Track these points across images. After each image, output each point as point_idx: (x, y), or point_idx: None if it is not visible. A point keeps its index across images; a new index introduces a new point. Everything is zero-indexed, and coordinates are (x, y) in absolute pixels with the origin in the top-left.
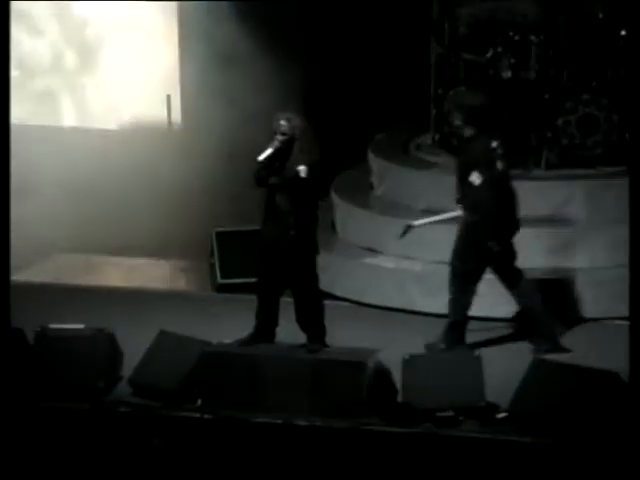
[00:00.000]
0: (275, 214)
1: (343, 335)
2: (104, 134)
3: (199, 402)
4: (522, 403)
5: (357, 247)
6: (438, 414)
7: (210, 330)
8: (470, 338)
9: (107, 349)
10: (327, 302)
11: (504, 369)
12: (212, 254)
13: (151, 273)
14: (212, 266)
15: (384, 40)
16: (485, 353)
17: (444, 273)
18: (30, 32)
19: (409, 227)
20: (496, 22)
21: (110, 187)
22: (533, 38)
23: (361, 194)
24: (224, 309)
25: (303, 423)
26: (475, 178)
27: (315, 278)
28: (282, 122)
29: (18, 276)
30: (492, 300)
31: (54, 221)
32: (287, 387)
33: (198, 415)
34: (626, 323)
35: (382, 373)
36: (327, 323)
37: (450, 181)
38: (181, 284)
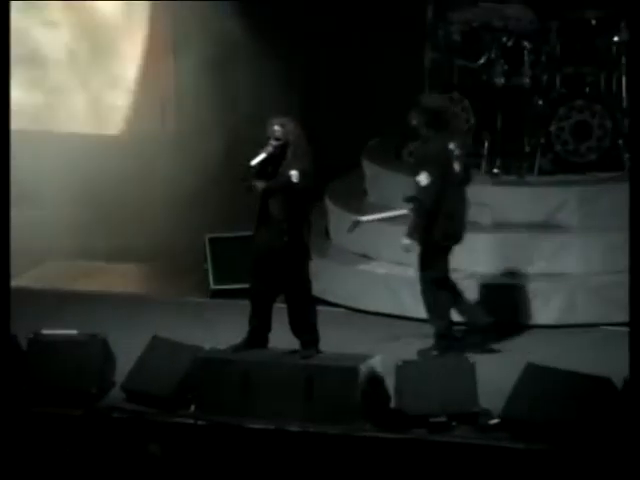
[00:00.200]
0: (268, 220)
1: (336, 341)
2: (99, 139)
3: (192, 408)
4: (515, 409)
5: (350, 253)
6: (431, 420)
7: (203, 336)
8: (463, 343)
9: (100, 355)
10: (320, 308)
11: (497, 375)
12: (205, 260)
13: (144, 279)
14: (205, 272)
15: (378, 46)
16: (478, 359)
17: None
18: (44, 24)
19: (357, 222)
20: (489, 28)
21: (104, 193)
22: (526, 44)
23: (354, 200)
24: (217, 315)
25: (296, 429)
26: (422, 178)
27: (308, 284)
28: (276, 127)
29: (12, 282)
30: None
31: (48, 227)
32: (280, 393)
33: (191, 421)
34: (619, 329)
35: (375, 379)
36: (320, 329)
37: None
38: (174, 290)
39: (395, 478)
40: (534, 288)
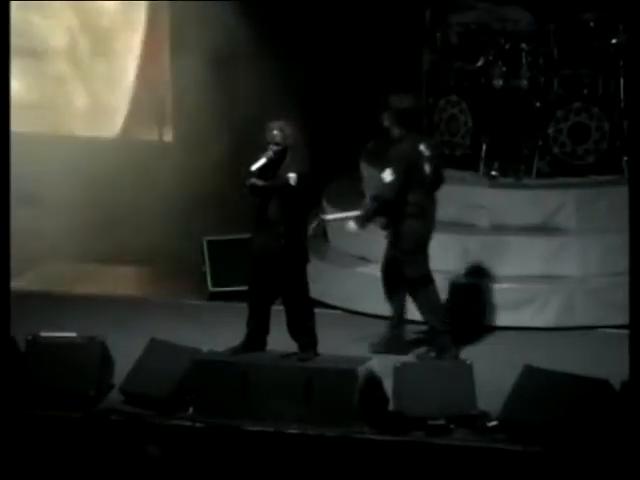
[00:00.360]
0: (266, 223)
1: (334, 343)
2: (96, 141)
3: (190, 410)
4: (513, 411)
5: (349, 255)
6: (429, 422)
7: (201, 338)
8: (462, 346)
9: (98, 357)
10: (319, 310)
11: (495, 377)
12: (203, 262)
13: (143, 281)
14: (203, 274)
15: (376, 48)
16: (476, 361)
17: (436, 281)
18: (44, 15)
19: (321, 220)
20: (487, 30)
21: (102, 195)
22: (524, 46)
23: (353, 202)
24: (215, 317)
25: (294, 431)
26: (386, 175)
27: (305, 287)
28: (275, 132)
29: (11, 284)
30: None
31: (45, 229)
32: (278, 395)
33: (190, 423)
34: (617, 331)
35: (373, 381)
36: (318, 331)
37: (442, 189)
38: (173, 292)
39: None
40: (532, 290)
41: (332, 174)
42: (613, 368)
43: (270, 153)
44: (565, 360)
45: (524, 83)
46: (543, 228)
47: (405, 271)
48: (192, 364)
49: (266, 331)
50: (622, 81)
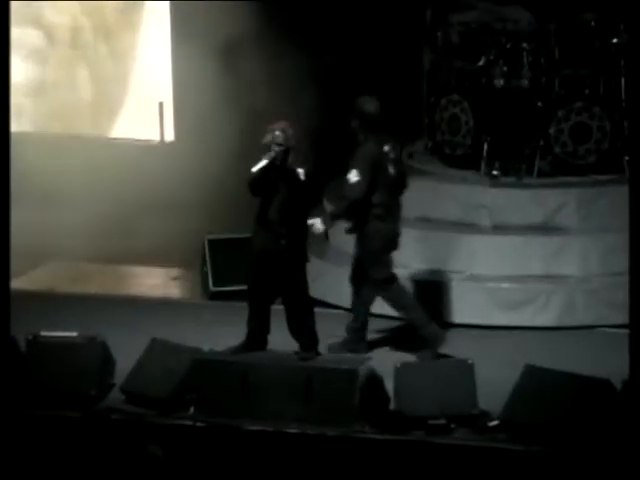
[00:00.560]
0: (266, 223)
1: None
2: (96, 141)
3: (191, 410)
4: (514, 411)
5: (349, 255)
6: (430, 422)
7: (202, 338)
8: (462, 345)
9: (99, 357)
10: (320, 310)
11: (496, 376)
12: (204, 262)
13: (144, 281)
14: (204, 274)
15: (377, 47)
16: (477, 360)
17: (435, 281)
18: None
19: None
20: (488, 30)
21: (103, 195)
22: (525, 46)
23: None
24: (216, 317)
25: (295, 431)
26: (352, 176)
27: (305, 286)
28: (277, 133)
29: (11, 283)
30: (488, 308)
31: (47, 229)
32: (279, 395)
33: (190, 423)
34: (618, 331)
35: (374, 381)
36: (319, 331)
37: (443, 189)
38: (174, 292)
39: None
40: (533, 290)
41: (332, 174)
42: (614, 367)
43: (272, 154)
44: (566, 360)
45: (525, 83)
46: (544, 227)
47: (370, 272)
48: (193, 364)
49: (266, 330)
50: (623, 81)
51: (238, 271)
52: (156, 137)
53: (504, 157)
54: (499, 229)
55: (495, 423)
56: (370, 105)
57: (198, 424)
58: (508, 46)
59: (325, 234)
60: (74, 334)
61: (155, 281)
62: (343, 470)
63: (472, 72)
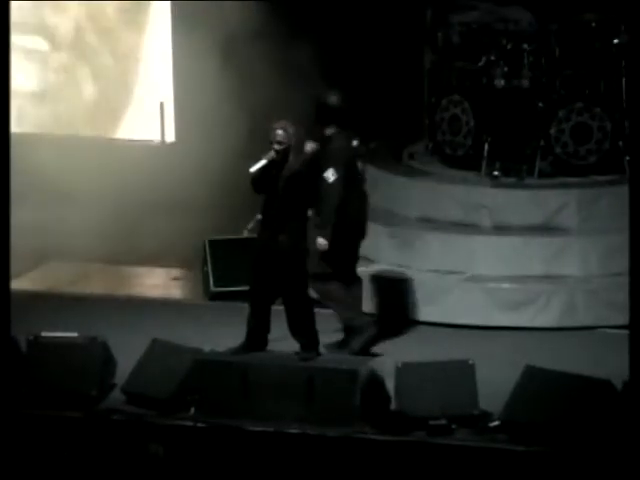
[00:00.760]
0: (267, 221)
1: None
2: (97, 141)
3: (192, 410)
4: (515, 411)
5: None
6: (431, 422)
7: (203, 338)
8: (463, 346)
9: (100, 357)
10: (321, 310)
11: (497, 377)
12: (205, 262)
13: (144, 281)
14: (205, 274)
15: (377, 48)
16: (478, 361)
17: (438, 281)
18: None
19: (257, 221)
20: (489, 30)
21: (104, 196)
22: (526, 46)
23: None
24: (217, 317)
25: (295, 431)
26: (329, 175)
27: (306, 286)
28: (279, 131)
29: (11, 284)
30: (488, 308)
31: (48, 229)
32: (279, 395)
33: (191, 423)
34: (618, 331)
35: (375, 381)
36: (320, 331)
37: (444, 189)
38: (174, 292)
39: None
40: (534, 290)
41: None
42: (615, 368)
43: (272, 153)
44: (567, 360)
45: (526, 83)
46: (545, 228)
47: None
48: (193, 364)
49: (267, 330)
50: (624, 81)
51: (239, 271)
52: (157, 137)
53: (505, 157)
54: (500, 229)
55: (496, 423)
56: (333, 98)
57: (199, 424)
58: (509, 46)
59: (326, 247)
60: (75, 334)
61: (156, 281)
62: (344, 471)
63: (473, 72)
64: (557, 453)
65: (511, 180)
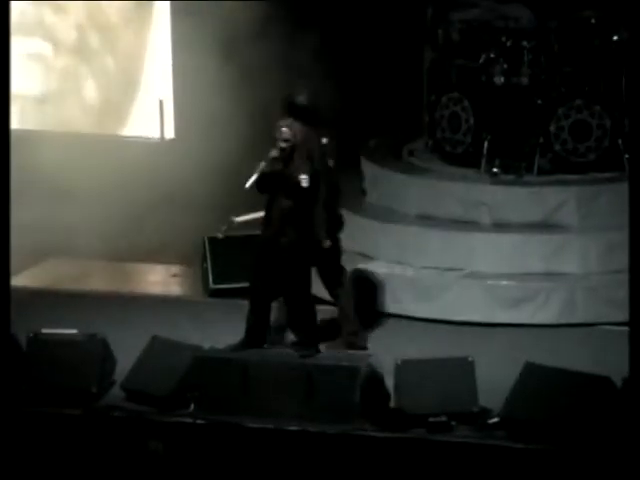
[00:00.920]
0: (271, 220)
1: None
2: (99, 139)
3: (192, 407)
4: (514, 408)
5: (350, 252)
6: (431, 419)
7: (202, 335)
8: (462, 343)
9: (100, 354)
10: (320, 307)
11: (497, 374)
12: (204, 259)
13: (144, 278)
14: (204, 271)
15: (377, 45)
16: (478, 358)
17: (437, 278)
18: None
19: (231, 222)
20: (489, 28)
21: (104, 193)
22: (525, 44)
23: (354, 200)
24: (216, 314)
25: (295, 428)
26: (304, 179)
27: (309, 284)
28: (284, 129)
29: (12, 281)
30: (488, 305)
31: (47, 226)
32: (279, 392)
33: (191, 420)
34: (618, 328)
35: (374, 378)
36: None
37: (443, 186)
38: (174, 289)
39: (394, 478)
40: (533, 288)
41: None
42: (614, 365)
43: (263, 164)
44: (566, 357)
45: (525, 80)
46: (544, 225)
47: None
48: (193, 361)
49: (266, 327)
50: (623, 78)
51: (238, 269)
52: (156, 134)
53: (504, 155)
54: (499, 227)
55: (495, 420)
56: (301, 97)
57: (198, 421)
58: (508, 44)
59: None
60: (74, 331)
61: (155, 278)
62: (344, 468)
63: (472, 70)
64: (556, 450)
65: (510, 177)
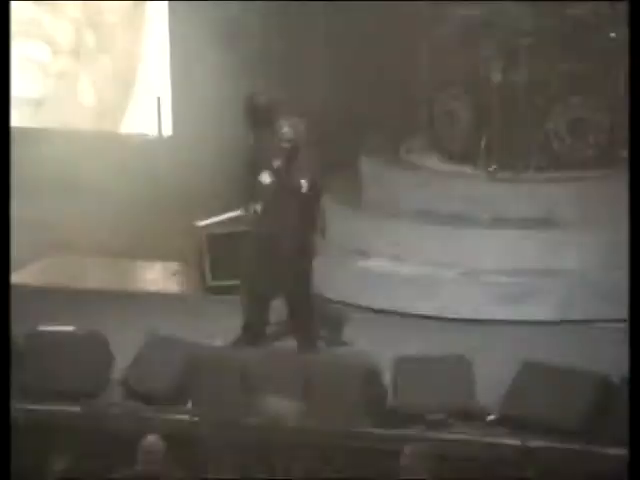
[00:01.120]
0: (274, 218)
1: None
2: (97, 136)
3: (189, 404)
4: (512, 405)
5: (347, 249)
6: (428, 417)
7: (201, 332)
8: (460, 340)
9: (98, 351)
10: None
11: (494, 371)
12: (202, 256)
13: (142, 275)
14: (202, 268)
15: (374, 41)
16: (476, 355)
17: (435, 275)
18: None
19: (196, 228)
20: (487, 24)
21: (102, 189)
22: (523, 40)
23: (351, 196)
24: (214, 311)
25: (293, 426)
26: (265, 177)
27: (309, 282)
28: (286, 129)
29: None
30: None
31: (45, 223)
32: (277, 389)
33: (189, 417)
34: (617, 325)
35: (372, 375)
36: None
37: (441, 183)
38: (172, 286)
39: (392, 475)
40: (531, 285)
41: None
42: (612, 362)
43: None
44: (564, 354)
45: (523, 77)
46: (542, 222)
47: None
48: (191, 358)
49: (265, 325)
50: (622, 75)
51: (236, 266)
52: (154, 132)
53: (502, 152)
54: (497, 223)
55: (493, 418)
56: (261, 99)
57: (196, 419)
58: (506, 40)
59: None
60: (72, 328)
61: (153, 275)
62: (342, 466)
63: (470, 66)
64: (554, 448)
65: (508, 174)
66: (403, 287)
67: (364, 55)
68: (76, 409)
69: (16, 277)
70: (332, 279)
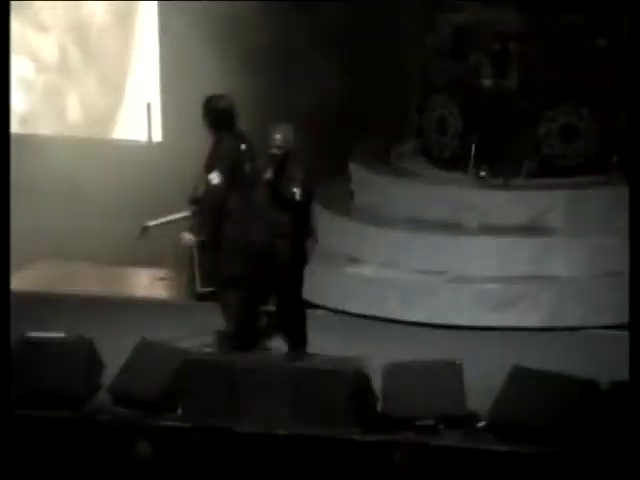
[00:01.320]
0: (266, 226)
1: (323, 344)
2: (87, 142)
3: (179, 411)
4: (502, 411)
5: (338, 255)
6: (418, 423)
7: (190, 338)
8: (450, 346)
9: (88, 357)
10: (308, 310)
11: (484, 377)
12: (191, 263)
13: (131, 281)
14: (191, 274)
15: (366, 48)
16: (465, 361)
17: (425, 282)
18: (35, 27)
19: (146, 228)
20: (477, 31)
21: (92, 196)
22: (513, 47)
23: (342, 202)
24: (204, 318)
25: (283, 432)
26: (214, 177)
27: (300, 288)
28: (277, 135)
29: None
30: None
31: (36, 229)
32: (267, 396)
33: (178, 424)
34: (605, 332)
35: (362, 382)
36: (308, 332)
37: (431, 190)
38: (161, 292)
39: None
40: (521, 291)
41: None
42: (601, 368)
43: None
44: (553, 360)
45: (513, 84)
46: (532, 228)
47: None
48: (181, 364)
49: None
50: (612, 82)
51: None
52: (144, 138)
53: (492, 158)
54: (487, 230)
55: (483, 424)
56: (221, 102)
57: (186, 425)
58: (496, 47)
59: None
60: (62, 335)
61: (143, 282)
62: (332, 472)
63: (460, 73)
64: (544, 453)
65: (498, 181)
66: (393, 293)
67: (354, 60)
68: (66, 415)
69: None
70: (321, 285)
